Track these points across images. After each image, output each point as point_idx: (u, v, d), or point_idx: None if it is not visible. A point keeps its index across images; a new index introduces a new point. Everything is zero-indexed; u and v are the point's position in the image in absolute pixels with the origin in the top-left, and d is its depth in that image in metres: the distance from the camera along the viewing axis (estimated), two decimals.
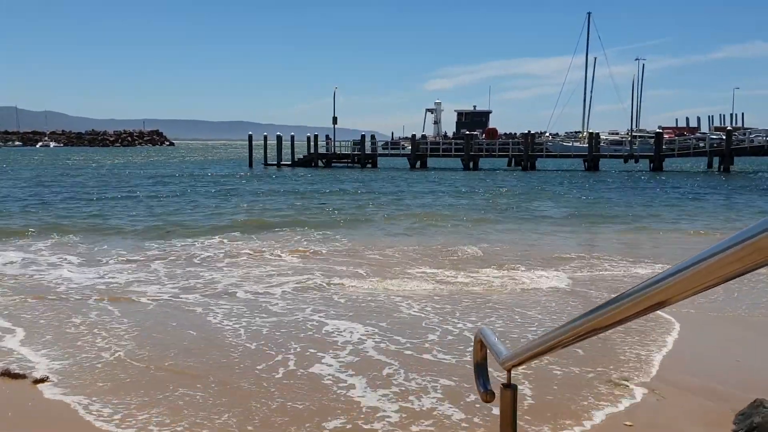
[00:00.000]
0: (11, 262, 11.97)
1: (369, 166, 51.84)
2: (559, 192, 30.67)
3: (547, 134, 61.47)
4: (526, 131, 52.17)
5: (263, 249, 13.81)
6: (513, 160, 54.62)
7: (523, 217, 20.59)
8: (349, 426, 5.12)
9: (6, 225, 17.34)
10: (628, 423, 5.16)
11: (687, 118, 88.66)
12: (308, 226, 17.75)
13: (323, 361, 6.66)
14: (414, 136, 53.59)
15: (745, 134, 49.83)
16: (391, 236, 16.19)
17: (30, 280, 10.53)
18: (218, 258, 12.69)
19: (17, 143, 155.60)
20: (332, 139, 53.78)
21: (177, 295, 9.59)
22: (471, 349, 6.44)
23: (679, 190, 31.52)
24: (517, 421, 2.00)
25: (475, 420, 5.22)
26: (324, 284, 10.28)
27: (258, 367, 6.47)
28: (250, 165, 53.50)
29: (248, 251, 13.48)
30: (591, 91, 65.17)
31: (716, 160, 48.07)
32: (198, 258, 12.68)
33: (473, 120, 68.29)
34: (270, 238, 15.48)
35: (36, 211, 20.87)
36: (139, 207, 22.89)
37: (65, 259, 12.43)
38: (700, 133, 64.16)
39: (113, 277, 10.74)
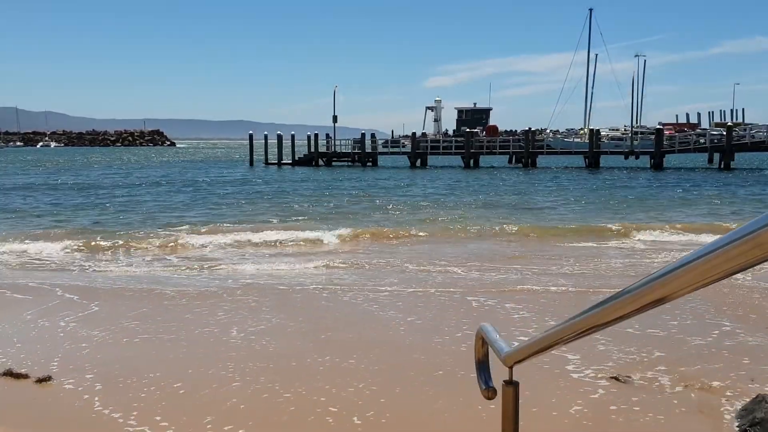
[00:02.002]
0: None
1: (369, 164, 51.77)
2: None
3: (548, 131, 61.43)
4: (527, 128, 52.21)
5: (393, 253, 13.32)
6: (514, 157, 54.59)
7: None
8: None
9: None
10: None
11: (687, 114, 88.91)
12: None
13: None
14: (414, 134, 53.52)
15: (745, 130, 49.77)
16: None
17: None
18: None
19: (18, 144, 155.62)
20: (332, 138, 53.70)
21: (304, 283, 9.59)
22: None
23: None
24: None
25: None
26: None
27: (436, 339, 6.53)
28: (251, 164, 53.49)
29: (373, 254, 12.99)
30: (592, 88, 65.27)
31: (717, 156, 48.03)
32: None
33: (474, 117, 68.42)
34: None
35: None
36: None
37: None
38: (700, 129, 64.12)
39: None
